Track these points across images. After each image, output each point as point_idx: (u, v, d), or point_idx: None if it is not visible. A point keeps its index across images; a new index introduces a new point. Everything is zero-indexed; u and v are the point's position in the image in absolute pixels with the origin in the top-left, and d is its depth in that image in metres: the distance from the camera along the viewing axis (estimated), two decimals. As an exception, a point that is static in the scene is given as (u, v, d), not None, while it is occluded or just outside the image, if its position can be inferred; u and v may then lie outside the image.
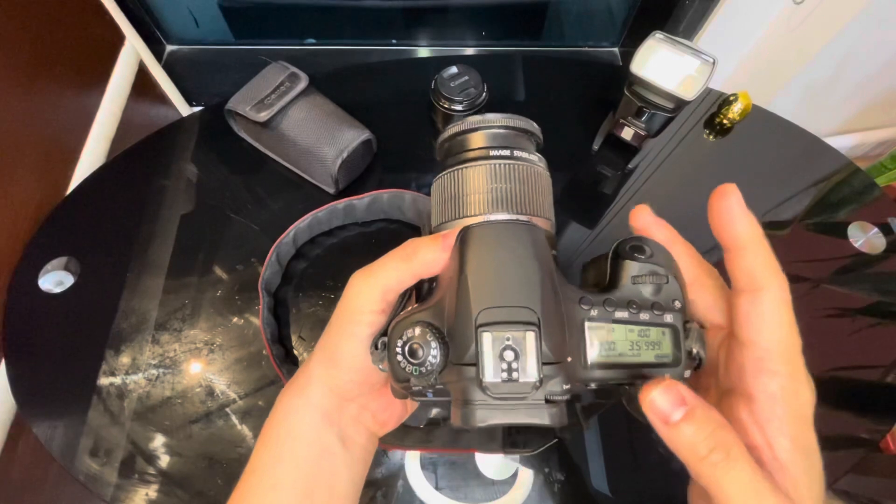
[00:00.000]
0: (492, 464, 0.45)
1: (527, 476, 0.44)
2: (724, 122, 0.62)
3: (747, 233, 0.20)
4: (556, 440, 0.40)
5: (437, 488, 0.44)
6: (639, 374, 0.21)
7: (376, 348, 0.23)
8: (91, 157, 0.60)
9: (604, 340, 0.21)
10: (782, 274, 0.20)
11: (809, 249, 0.56)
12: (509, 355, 0.19)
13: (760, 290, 0.20)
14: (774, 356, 0.19)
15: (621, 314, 0.22)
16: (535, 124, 0.26)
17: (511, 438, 0.41)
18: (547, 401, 0.20)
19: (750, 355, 0.20)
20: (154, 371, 0.48)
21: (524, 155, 0.25)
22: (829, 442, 0.46)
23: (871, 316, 0.52)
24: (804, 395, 0.20)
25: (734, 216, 0.20)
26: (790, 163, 0.62)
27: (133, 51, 0.71)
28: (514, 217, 0.23)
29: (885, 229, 0.56)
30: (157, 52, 0.86)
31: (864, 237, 0.56)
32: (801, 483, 0.19)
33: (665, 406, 0.19)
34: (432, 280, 0.24)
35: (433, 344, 0.20)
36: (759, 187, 0.60)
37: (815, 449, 0.20)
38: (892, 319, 0.52)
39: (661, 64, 0.51)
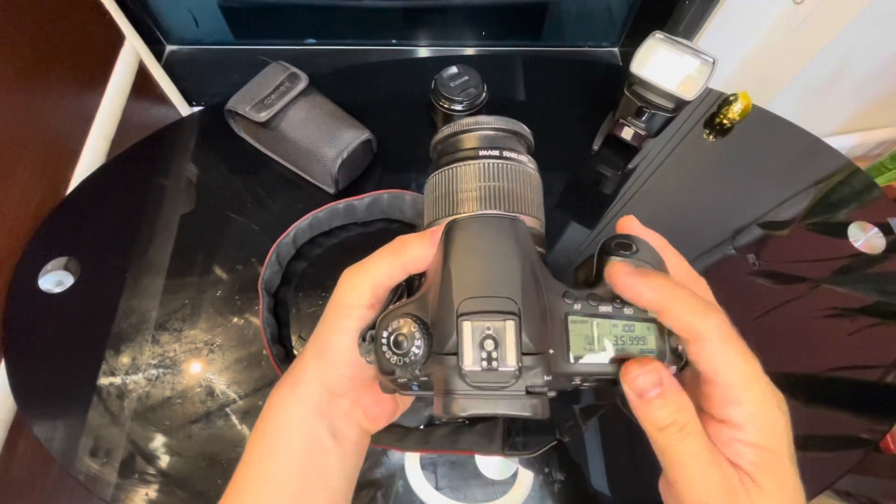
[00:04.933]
0: (492, 464, 0.45)
1: (527, 476, 0.44)
2: (724, 122, 0.62)
3: (656, 296, 0.21)
4: (555, 442, 0.40)
5: (437, 488, 0.44)
6: None
7: (364, 340, 0.23)
8: (91, 157, 0.60)
9: (587, 334, 0.22)
10: (714, 311, 0.20)
11: (809, 249, 0.56)
12: (489, 344, 0.20)
13: (700, 339, 0.20)
14: (736, 389, 0.20)
15: (605, 308, 0.22)
16: (526, 128, 0.27)
17: (510, 440, 0.41)
18: (528, 392, 0.20)
19: (714, 389, 0.21)
20: (154, 371, 0.48)
21: (513, 155, 0.25)
22: (829, 442, 0.46)
23: (871, 316, 0.52)
24: (774, 416, 0.20)
25: (636, 289, 0.21)
26: (790, 163, 0.62)
27: (133, 51, 0.71)
28: (500, 213, 0.23)
29: (885, 229, 0.56)
30: (157, 52, 0.86)
31: (864, 237, 0.56)
32: (768, 491, 0.19)
33: (644, 385, 0.20)
34: (422, 276, 0.25)
35: (417, 335, 0.21)
36: (759, 187, 0.60)
37: (789, 466, 0.20)
38: (892, 319, 0.52)
39: (661, 64, 0.51)
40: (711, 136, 0.64)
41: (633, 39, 0.90)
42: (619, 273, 0.21)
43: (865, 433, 0.46)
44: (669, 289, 0.21)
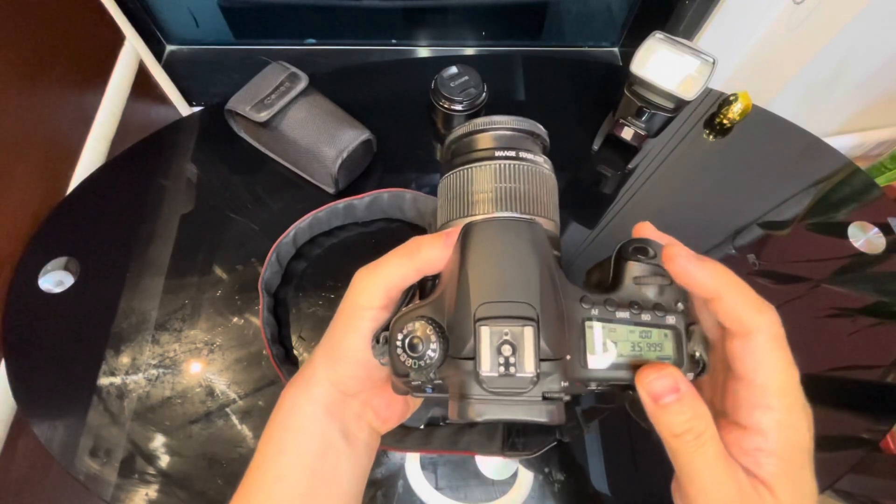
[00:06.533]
0: (492, 464, 0.45)
1: (527, 476, 0.44)
2: (724, 122, 0.62)
3: (712, 280, 0.20)
4: (555, 443, 0.40)
5: (437, 488, 0.44)
6: None
7: (377, 342, 0.23)
8: (91, 157, 0.60)
9: (604, 339, 0.21)
10: (770, 308, 0.20)
11: (809, 249, 0.56)
12: (507, 350, 0.19)
13: (751, 334, 0.20)
14: (770, 393, 0.20)
15: (622, 314, 0.22)
16: (541, 127, 0.27)
17: (510, 441, 0.41)
18: (545, 398, 0.20)
19: (745, 390, 0.20)
20: (154, 371, 0.48)
21: (529, 156, 0.25)
22: (829, 442, 0.46)
23: (871, 316, 0.52)
24: (800, 427, 0.20)
25: (690, 271, 0.21)
26: (790, 163, 0.62)
27: (133, 51, 0.71)
28: (517, 216, 0.23)
29: (885, 229, 0.56)
30: (157, 52, 0.86)
31: (864, 237, 0.56)
32: (783, 502, 0.19)
33: (660, 389, 0.20)
34: (436, 278, 0.24)
35: (433, 338, 0.21)
36: (759, 187, 0.60)
37: (808, 478, 0.20)
38: (892, 319, 0.52)
39: (661, 64, 0.51)
40: (711, 136, 0.64)
41: (633, 39, 0.90)
42: (677, 256, 0.21)
43: (865, 433, 0.46)
44: (728, 277, 0.20)
